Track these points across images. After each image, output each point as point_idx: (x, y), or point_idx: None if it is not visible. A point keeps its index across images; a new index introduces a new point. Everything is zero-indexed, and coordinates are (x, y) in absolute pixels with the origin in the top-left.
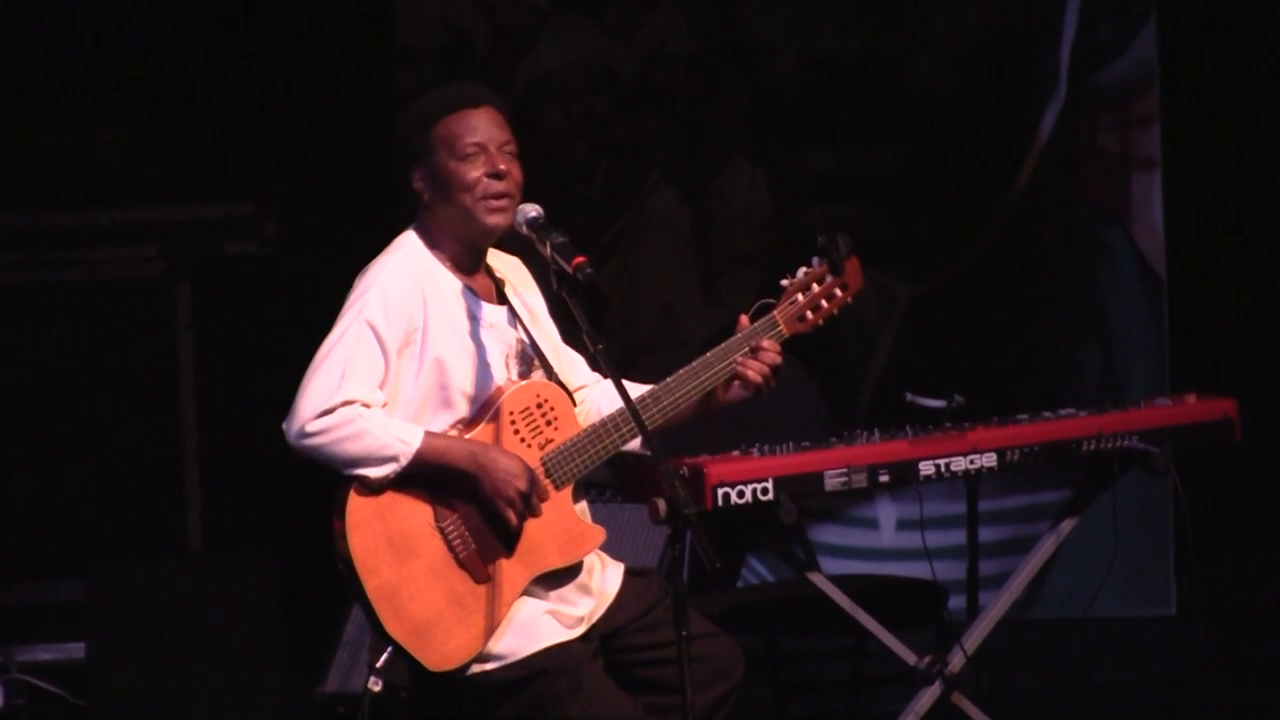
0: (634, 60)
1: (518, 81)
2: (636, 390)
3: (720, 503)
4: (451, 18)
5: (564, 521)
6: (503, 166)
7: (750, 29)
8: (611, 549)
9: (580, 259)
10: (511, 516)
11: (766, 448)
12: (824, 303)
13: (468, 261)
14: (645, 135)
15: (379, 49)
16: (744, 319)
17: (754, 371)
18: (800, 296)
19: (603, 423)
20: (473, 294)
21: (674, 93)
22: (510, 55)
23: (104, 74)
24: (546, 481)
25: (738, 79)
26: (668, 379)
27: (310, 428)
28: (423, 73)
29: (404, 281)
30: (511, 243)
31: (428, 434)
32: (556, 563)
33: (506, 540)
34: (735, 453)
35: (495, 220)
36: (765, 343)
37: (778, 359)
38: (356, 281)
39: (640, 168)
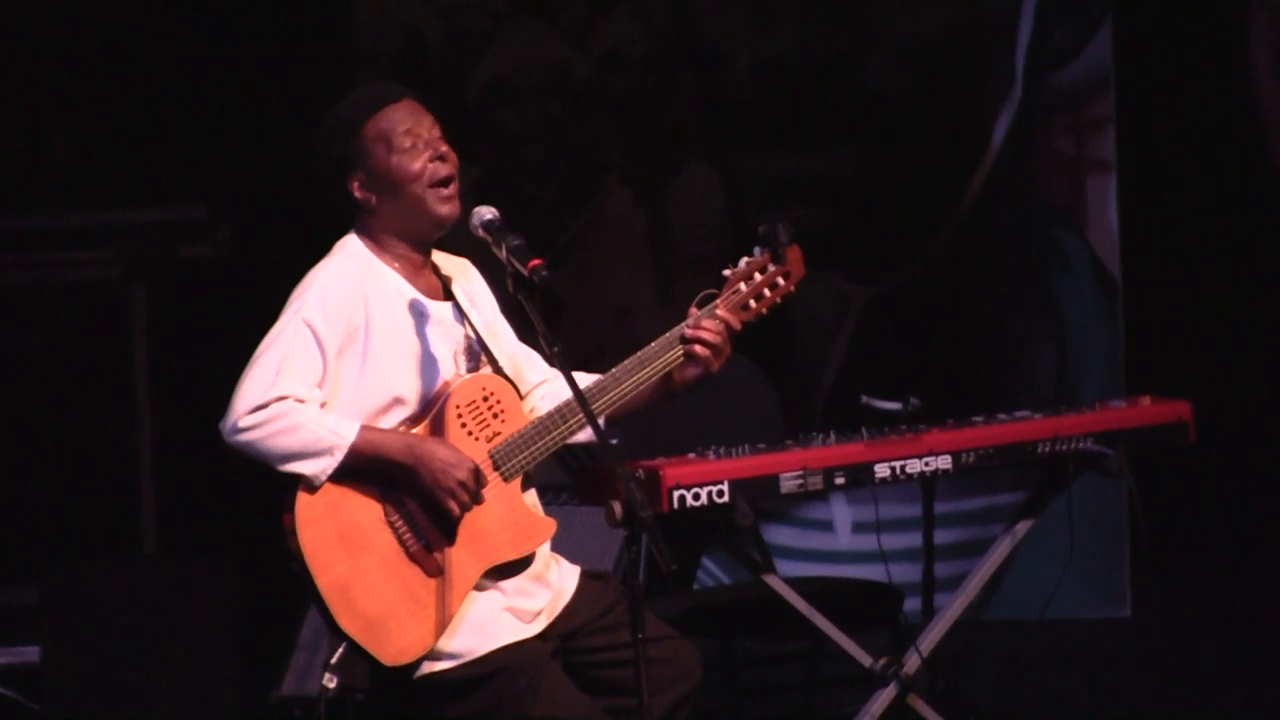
0: (589, 63)
1: (473, 84)
2: (587, 380)
3: (676, 505)
4: (407, 20)
5: (514, 513)
6: (444, 149)
7: (705, 32)
8: (567, 552)
9: (536, 261)
10: (453, 507)
11: (722, 450)
12: (767, 291)
13: (413, 259)
14: (601, 138)
15: (335, 51)
16: (693, 311)
17: (698, 348)
18: (743, 286)
19: (549, 415)
20: (418, 291)
21: (629, 95)
22: (466, 58)
23: (58, 76)
24: (495, 474)
25: (693, 82)
26: (614, 369)
27: (243, 423)
28: (379, 75)
29: (344, 282)
30: (466, 245)
31: (363, 428)
32: (509, 554)
33: (457, 533)
34: (691, 455)
35: (446, 209)
36: (706, 322)
37: (715, 338)
38: (299, 283)
39: (596, 170)
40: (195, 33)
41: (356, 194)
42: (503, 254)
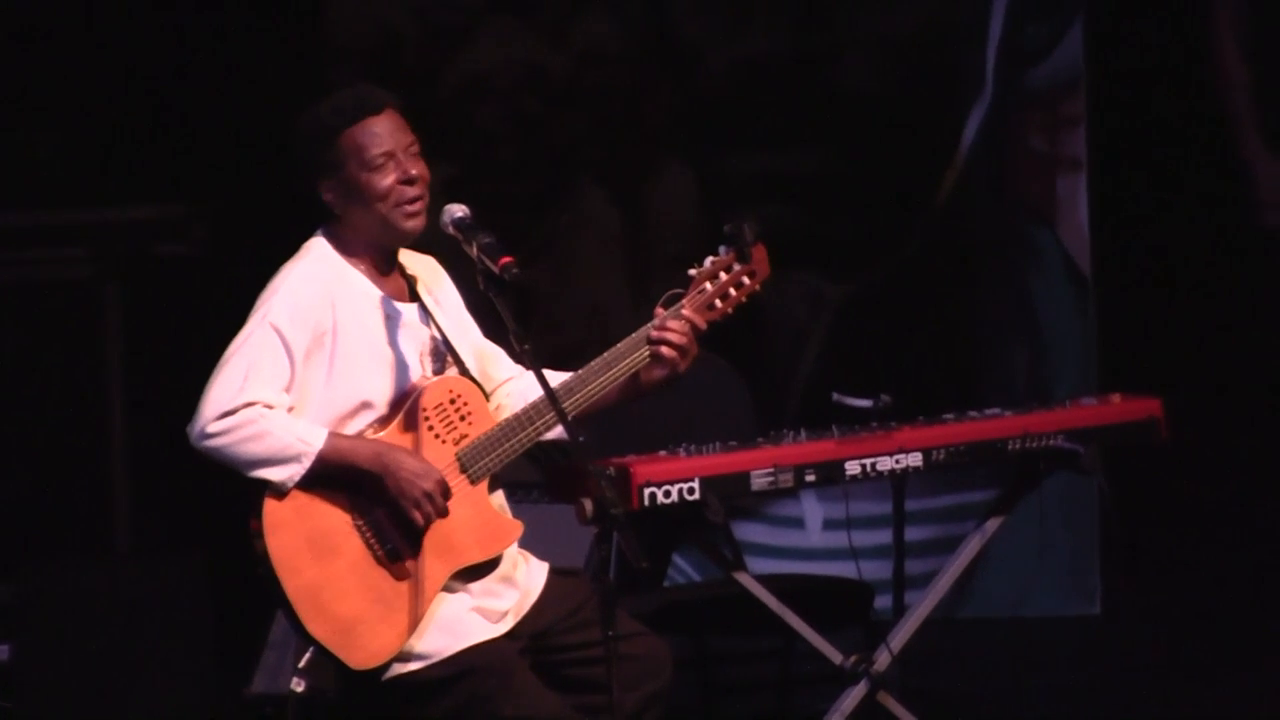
0: (565, 61)
1: (448, 82)
2: (554, 380)
3: (647, 503)
4: (382, 18)
5: (482, 516)
6: (414, 171)
7: (681, 31)
8: (538, 549)
9: (507, 259)
10: (417, 517)
11: (693, 448)
12: (732, 290)
13: (381, 263)
14: (576, 136)
15: (309, 49)
16: (659, 311)
17: (664, 349)
18: (708, 285)
19: (516, 416)
20: (385, 294)
21: (605, 94)
22: (441, 55)
23: (33, 74)
24: (462, 477)
25: (668, 80)
26: (580, 370)
27: (211, 429)
28: (353, 72)
29: (311, 286)
30: (437, 242)
31: (331, 434)
32: (477, 557)
33: (424, 537)
34: (662, 453)
35: (412, 224)
36: (671, 323)
37: (681, 339)
38: (265, 287)
39: (571, 169)
40: (169, 30)
41: (325, 198)
42: (473, 251)
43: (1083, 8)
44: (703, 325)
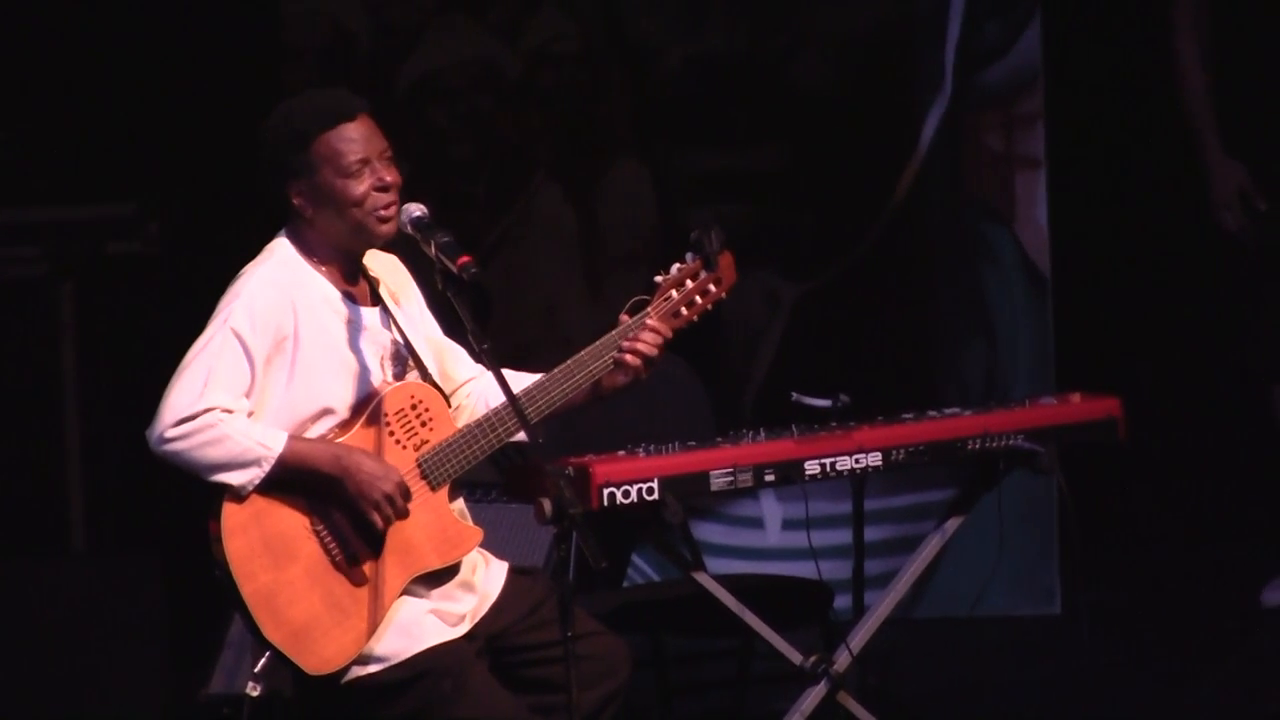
0: (519, 59)
1: (402, 80)
2: (514, 380)
3: (606, 502)
4: (335, 16)
5: (441, 522)
6: (389, 178)
7: (635, 28)
8: (497, 549)
9: (465, 258)
10: (377, 520)
11: (652, 448)
12: (698, 298)
13: (345, 267)
14: (530, 134)
15: (262, 47)
16: (623, 317)
17: (630, 357)
18: (674, 293)
19: (478, 423)
20: (347, 298)
21: (559, 92)
22: (394, 54)
23: None
24: (422, 483)
25: (622, 78)
26: (542, 378)
27: (170, 434)
28: (306, 71)
29: (272, 290)
30: (396, 241)
31: (291, 439)
32: (434, 563)
33: (382, 543)
34: (621, 453)
35: (386, 229)
36: (644, 335)
37: (652, 350)
38: (227, 290)
39: (525, 167)
40: (122, 27)
41: (294, 201)
42: (432, 251)
43: (1040, 6)
44: (669, 334)
